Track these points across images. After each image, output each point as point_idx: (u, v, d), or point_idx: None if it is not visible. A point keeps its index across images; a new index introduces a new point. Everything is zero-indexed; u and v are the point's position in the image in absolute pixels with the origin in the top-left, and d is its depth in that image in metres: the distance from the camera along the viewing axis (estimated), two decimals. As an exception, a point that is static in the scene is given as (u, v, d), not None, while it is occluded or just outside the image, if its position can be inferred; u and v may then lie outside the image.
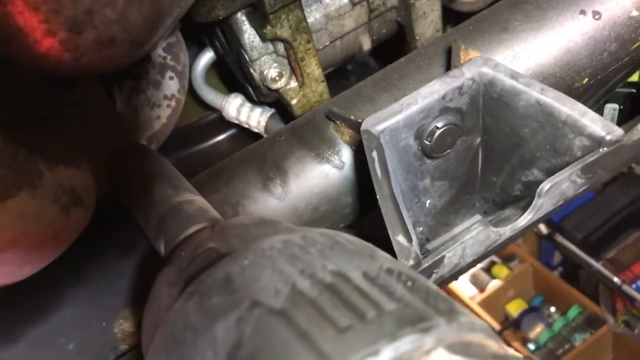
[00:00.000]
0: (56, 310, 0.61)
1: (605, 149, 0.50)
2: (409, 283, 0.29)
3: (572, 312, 3.14)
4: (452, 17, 0.99)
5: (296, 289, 0.28)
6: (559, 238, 3.02)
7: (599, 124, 0.50)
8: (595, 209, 3.01)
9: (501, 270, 3.37)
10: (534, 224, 0.57)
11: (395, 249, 0.49)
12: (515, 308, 3.30)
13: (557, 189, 0.51)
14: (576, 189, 0.52)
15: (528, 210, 0.51)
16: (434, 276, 0.50)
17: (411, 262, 0.48)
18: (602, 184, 3.14)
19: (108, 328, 0.63)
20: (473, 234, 0.50)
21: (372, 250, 0.33)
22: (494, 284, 3.32)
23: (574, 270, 3.18)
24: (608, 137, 0.50)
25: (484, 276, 3.39)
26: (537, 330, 3.17)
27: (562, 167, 0.53)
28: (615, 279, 2.77)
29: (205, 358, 0.28)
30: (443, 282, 1.23)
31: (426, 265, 0.49)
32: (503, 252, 3.40)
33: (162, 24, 0.36)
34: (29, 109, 0.46)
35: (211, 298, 0.31)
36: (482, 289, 3.34)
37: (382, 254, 0.33)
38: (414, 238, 0.51)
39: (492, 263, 3.42)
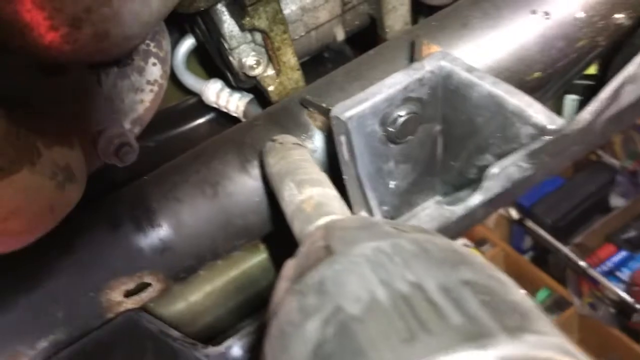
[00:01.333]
0: (46, 280, 0.65)
1: (548, 137, 0.56)
2: (483, 296, 0.30)
3: (541, 294, 3.23)
4: (424, 9, 1.04)
5: (375, 298, 0.31)
6: (529, 223, 3.12)
7: (543, 115, 0.56)
8: (564, 195, 3.11)
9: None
10: (487, 205, 0.62)
11: (359, 223, 0.55)
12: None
13: (504, 172, 0.56)
14: (522, 173, 0.58)
15: (478, 191, 0.57)
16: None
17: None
18: (571, 172, 3.25)
19: (95, 297, 0.67)
20: (427, 211, 0.55)
21: (459, 258, 0.35)
22: (466, 268, 3.41)
23: (543, 254, 3.28)
24: (550, 127, 0.56)
25: (456, 260, 3.47)
26: (507, 312, 3.27)
27: (511, 153, 0.58)
28: (582, 263, 2.87)
29: (297, 351, 0.32)
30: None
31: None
32: (475, 236, 3.49)
33: (152, 21, 0.40)
34: (26, 92, 0.50)
35: (307, 298, 0.34)
36: (454, 272, 3.42)
37: (471, 260, 0.35)
38: (376, 213, 0.57)
39: (465, 247, 3.50)
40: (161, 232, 0.67)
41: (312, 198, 0.52)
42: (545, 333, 0.28)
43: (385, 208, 0.71)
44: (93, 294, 0.67)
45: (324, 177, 0.57)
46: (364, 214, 0.54)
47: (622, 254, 2.93)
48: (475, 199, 0.58)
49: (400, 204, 0.72)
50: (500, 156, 0.62)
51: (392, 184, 0.69)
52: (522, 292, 0.33)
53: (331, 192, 0.54)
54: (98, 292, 0.67)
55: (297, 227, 0.51)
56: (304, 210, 0.51)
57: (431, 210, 0.56)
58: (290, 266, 0.42)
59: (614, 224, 3.06)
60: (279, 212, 0.72)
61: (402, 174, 0.69)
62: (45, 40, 0.37)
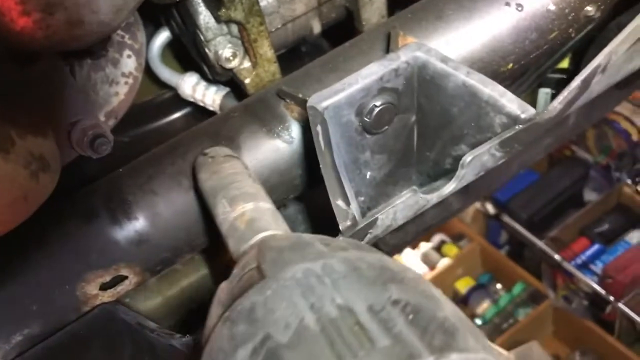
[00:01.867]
0: (20, 273, 0.64)
1: (520, 126, 0.57)
2: (411, 316, 0.31)
3: (517, 288, 3.29)
4: (400, 2, 1.05)
5: (303, 324, 0.31)
6: (506, 218, 3.16)
7: (515, 104, 0.57)
8: (539, 190, 3.16)
9: (451, 249, 3.50)
10: (463, 195, 0.63)
11: (335, 211, 0.55)
12: (463, 285, 3.43)
13: (478, 160, 0.57)
14: (495, 161, 0.59)
15: (452, 179, 0.58)
16: (368, 236, 0.57)
17: (348, 223, 0.54)
18: (546, 167, 3.30)
19: (70, 290, 0.66)
20: (403, 199, 0.56)
21: (389, 275, 0.35)
22: (443, 262, 3.45)
23: (519, 248, 3.33)
24: (523, 116, 0.57)
25: (434, 255, 3.51)
26: (484, 306, 3.32)
27: (485, 142, 0.59)
28: (556, 257, 2.93)
29: None
30: (392, 251, 1.30)
31: (362, 225, 0.55)
32: (453, 231, 3.53)
33: (127, 8, 0.40)
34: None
35: (238, 326, 0.35)
36: (432, 267, 3.46)
37: (401, 277, 0.35)
38: (352, 202, 0.57)
39: (442, 242, 3.54)
40: (137, 224, 0.67)
41: (244, 214, 0.52)
42: (472, 349, 0.29)
43: (361, 199, 0.72)
44: (68, 287, 0.66)
45: (257, 190, 0.57)
46: (340, 202, 0.54)
47: (596, 247, 2.99)
48: (449, 186, 0.59)
49: (377, 194, 0.73)
50: (474, 146, 0.63)
51: (368, 175, 0.70)
52: (452, 306, 0.34)
53: (265, 205, 0.54)
54: (73, 284, 0.66)
55: (231, 245, 0.50)
56: (237, 228, 0.51)
57: (406, 199, 0.56)
58: (223, 289, 0.43)
59: (587, 217, 3.12)
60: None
61: (378, 165, 0.69)
62: (16, 26, 0.37)
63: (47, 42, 0.39)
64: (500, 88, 0.58)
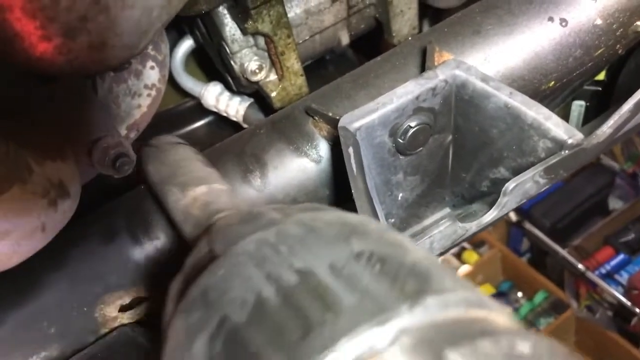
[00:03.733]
0: (38, 295, 0.62)
1: (567, 151, 0.54)
2: (378, 266, 0.28)
3: (538, 297, 3.23)
4: (428, 12, 1.01)
5: (261, 298, 0.28)
6: (528, 225, 3.10)
7: (562, 128, 0.53)
8: (563, 197, 3.09)
9: (471, 256, 3.44)
10: (499, 219, 0.60)
11: (368, 241, 0.52)
12: (483, 293, 3.38)
13: (521, 188, 0.54)
14: (538, 189, 0.55)
15: (494, 207, 0.54)
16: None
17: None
18: (571, 174, 3.23)
19: (89, 312, 0.64)
20: (441, 228, 0.53)
21: (349, 229, 0.32)
22: (463, 269, 3.40)
23: (541, 256, 3.26)
24: (570, 141, 0.53)
25: (454, 261, 3.46)
26: (504, 315, 3.26)
27: (526, 167, 0.56)
28: (580, 266, 2.86)
29: None
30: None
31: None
32: (473, 238, 3.47)
33: (152, 29, 0.37)
34: (15, 102, 0.47)
35: (192, 314, 0.31)
36: (452, 274, 3.41)
37: (362, 229, 0.32)
38: (385, 230, 0.54)
39: (463, 249, 3.49)
40: (158, 244, 0.65)
41: (197, 199, 0.48)
42: (448, 290, 0.26)
43: (391, 220, 0.69)
44: (87, 309, 0.64)
45: (209, 172, 0.53)
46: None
47: (621, 257, 2.92)
48: (490, 214, 0.55)
49: (408, 216, 0.69)
50: (514, 169, 0.60)
51: (400, 196, 0.66)
52: (422, 251, 0.31)
53: (218, 187, 0.50)
54: (92, 306, 0.64)
55: (187, 234, 0.46)
56: (191, 215, 0.47)
57: (444, 228, 0.53)
58: (175, 284, 0.39)
59: (612, 226, 3.05)
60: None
61: (410, 186, 0.66)
62: (36, 51, 0.34)
63: (68, 67, 0.36)
64: (546, 110, 0.54)
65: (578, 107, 1.12)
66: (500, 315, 0.27)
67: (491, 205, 0.57)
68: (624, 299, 2.72)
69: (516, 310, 3.26)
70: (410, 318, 0.24)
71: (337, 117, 0.57)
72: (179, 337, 0.31)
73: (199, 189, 0.49)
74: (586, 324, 2.98)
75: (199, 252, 0.39)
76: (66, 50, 0.35)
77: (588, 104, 1.11)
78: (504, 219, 3.33)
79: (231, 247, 0.34)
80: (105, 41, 0.35)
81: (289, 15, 0.73)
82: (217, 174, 0.53)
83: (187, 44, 0.92)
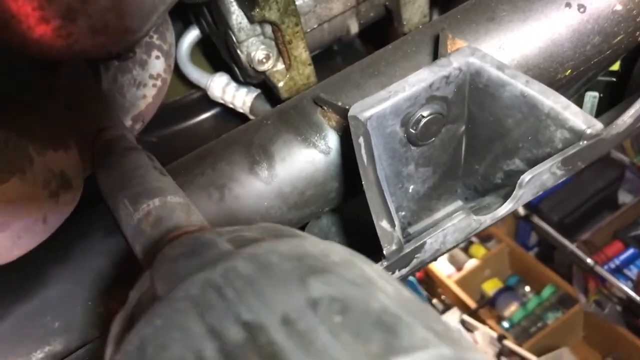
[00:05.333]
0: (42, 289, 0.61)
1: (585, 142, 0.52)
2: (338, 318, 0.24)
3: (546, 291, 3.21)
4: (439, 1, 0.99)
5: (201, 358, 0.25)
6: (536, 219, 3.08)
7: (580, 118, 0.51)
8: (571, 191, 3.06)
9: (478, 250, 3.43)
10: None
11: (379, 233, 0.50)
12: (491, 287, 3.36)
13: (537, 179, 0.52)
14: (555, 180, 0.54)
15: (509, 200, 0.53)
16: (415, 261, 0.52)
17: (394, 247, 0.49)
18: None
19: (93, 307, 0.63)
20: (455, 221, 0.51)
21: (309, 265, 0.28)
22: (471, 263, 3.38)
23: (549, 251, 3.24)
24: (589, 131, 0.51)
25: (461, 255, 3.44)
26: (512, 309, 3.24)
27: (543, 158, 0.54)
28: (589, 260, 2.84)
29: None
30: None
31: (408, 250, 0.50)
32: (481, 232, 3.45)
33: (156, 11, 0.36)
34: (16, 91, 0.46)
35: None
36: (459, 268, 3.40)
37: (323, 263, 0.29)
38: (396, 223, 0.52)
39: (470, 243, 3.47)
40: (164, 238, 0.63)
41: (149, 214, 0.43)
42: (418, 346, 0.23)
43: (402, 213, 0.67)
44: (91, 303, 0.63)
45: (165, 183, 0.48)
46: (385, 223, 0.49)
47: (630, 251, 2.89)
48: (505, 207, 0.54)
49: (419, 209, 0.68)
50: (530, 160, 0.58)
51: (411, 188, 0.65)
52: (394, 287, 0.27)
53: (174, 199, 0.45)
54: (96, 301, 0.63)
55: (138, 254, 0.42)
56: (143, 232, 0.42)
57: (458, 221, 0.51)
58: (117, 322, 0.34)
59: (622, 221, 3.02)
60: (289, 219, 0.68)
61: (422, 178, 0.64)
62: (35, 34, 0.32)
63: (67, 51, 0.34)
64: (563, 99, 0.52)
65: (591, 98, 1.09)
66: None
67: (505, 197, 0.55)
68: (633, 294, 2.69)
69: (524, 304, 3.24)
70: None
71: (347, 107, 0.55)
72: None
73: (153, 201, 0.45)
74: (595, 318, 2.96)
75: (141, 285, 0.35)
76: (65, 33, 0.33)
77: (601, 95, 1.09)
78: (512, 213, 3.30)
79: (174, 288, 0.29)
80: (107, 24, 0.34)
81: (297, 3, 0.71)
82: (174, 185, 0.49)
83: (193, 34, 0.90)
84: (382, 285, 0.27)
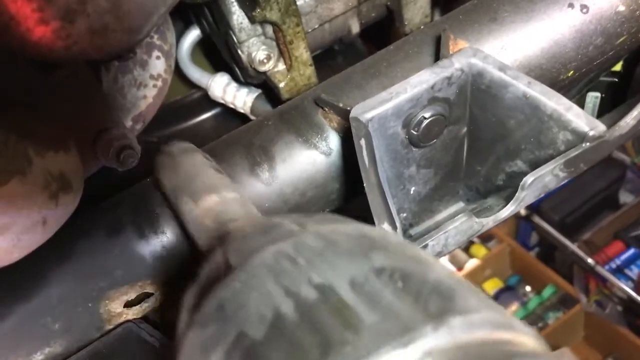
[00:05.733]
0: (42, 290, 0.61)
1: (588, 144, 0.51)
2: (400, 283, 0.27)
3: (547, 291, 3.20)
4: (440, 0, 0.99)
5: (279, 314, 0.27)
6: (537, 219, 3.07)
7: (583, 120, 0.51)
8: (572, 191, 3.05)
9: (479, 250, 3.42)
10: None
11: (381, 236, 0.50)
12: (491, 287, 3.36)
13: (540, 182, 0.52)
14: (558, 182, 0.53)
15: (511, 202, 0.52)
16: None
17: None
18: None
19: (93, 308, 0.63)
20: (457, 224, 0.51)
21: (370, 243, 0.31)
22: (471, 263, 3.37)
23: (550, 251, 3.23)
24: (591, 133, 0.51)
25: (462, 255, 3.43)
26: (512, 309, 3.24)
27: (545, 160, 0.54)
28: (589, 260, 2.83)
29: None
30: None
31: (410, 254, 0.50)
32: (481, 231, 3.44)
33: (156, 12, 0.36)
34: (16, 92, 0.45)
35: (207, 329, 0.30)
36: (460, 268, 3.39)
37: (383, 243, 0.32)
38: (398, 225, 0.52)
39: (471, 242, 3.46)
40: (164, 239, 0.63)
41: (210, 209, 0.47)
42: (473, 310, 0.25)
43: (403, 215, 0.67)
44: (92, 305, 0.63)
45: (220, 180, 0.52)
46: (386, 226, 0.49)
47: (631, 251, 2.88)
48: (507, 209, 0.53)
49: (420, 210, 0.67)
50: (532, 162, 0.58)
51: (412, 190, 0.64)
52: (445, 268, 0.30)
53: (229, 195, 0.50)
54: (96, 302, 0.63)
55: (201, 245, 0.46)
56: (203, 225, 0.46)
57: (460, 223, 0.51)
58: (190, 294, 0.38)
59: (623, 221, 3.02)
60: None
61: (423, 179, 0.64)
62: (34, 36, 0.32)
63: (67, 52, 0.34)
64: (566, 101, 0.52)
65: (593, 98, 1.09)
66: (527, 338, 0.25)
67: (507, 199, 0.55)
68: (634, 294, 2.69)
69: (524, 304, 3.24)
70: (434, 339, 0.23)
71: (348, 108, 0.55)
72: (194, 350, 0.30)
73: (210, 198, 0.49)
74: (595, 319, 2.96)
75: (213, 262, 0.38)
76: (65, 35, 0.33)
77: (603, 95, 1.08)
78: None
79: (248, 259, 0.32)
80: (106, 25, 0.34)
81: (297, 3, 0.71)
82: (229, 181, 0.53)
83: (193, 34, 0.90)
84: (435, 264, 0.30)
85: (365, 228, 0.34)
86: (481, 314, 0.25)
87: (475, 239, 3.43)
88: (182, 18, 0.91)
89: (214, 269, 0.36)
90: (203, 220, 0.46)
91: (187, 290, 0.37)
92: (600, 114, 1.07)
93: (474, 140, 0.61)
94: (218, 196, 0.49)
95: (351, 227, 0.34)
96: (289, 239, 0.33)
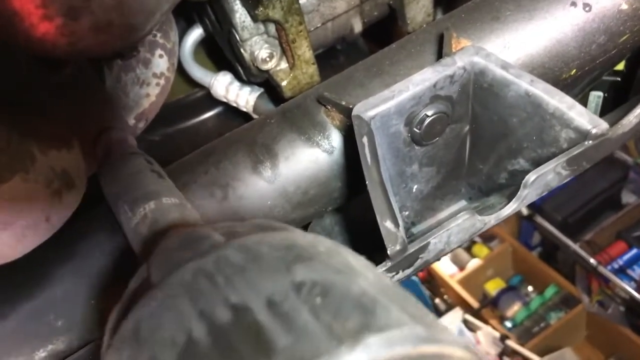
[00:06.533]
0: (45, 287, 0.61)
1: (590, 142, 0.51)
2: (319, 299, 0.26)
3: (549, 291, 3.20)
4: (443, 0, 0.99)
5: (192, 338, 0.26)
6: (539, 219, 3.07)
7: (586, 118, 0.51)
8: (575, 191, 3.05)
9: (481, 250, 3.42)
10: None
11: (383, 233, 0.50)
12: (493, 287, 3.36)
13: (542, 180, 0.52)
14: (560, 180, 0.53)
15: (513, 200, 0.52)
16: (419, 261, 0.51)
17: (398, 247, 0.49)
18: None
19: (96, 306, 0.63)
20: (459, 221, 0.51)
21: (295, 254, 0.30)
22: (473, 263, 3.38)
23: (552, 251, 3.24)
24: (594, 131, 0.51)
25: (464, 255, 3.44)
26: (515, 309, 3.24)
27: (547, 158, 0.54)
28: (592, 260, 2.83)
29: None
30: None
31: (412, 250, 0.50)
32: (484, 232, 3.44)
33: (160, 9, 0.36)
34: (20, 89, 0.46)
35: (122, 353, 0.29)
36: (462, 268, 3.39)
37: (309, 252, 0.30)
38: (400, 223, 0.52)
39: (473, 242, 3.46)
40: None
41: (146, 217, 0.45)
42: (394, 325, 0.24)
43: (405, 213, 0.67)
44: (94, 302, 0.63)
45: (161, 185, 0.50)
46: (389, 224, 0.49)
47: (634, 251, 2.88)
48: (509, 207, 0.53)
49: (422, 208, 0.67)
50: (534, 160, 0.58)
51: (414, 188, 0.65)
52: (374, 275, 0.29)
53: (168, 200, 0.47)
54: (100, 300, 0.63)
55: (138, 254, 0.44)
56: (140, 234, 0.44)
57: (462, 221, 0.51)
58: (114, 312, 0.36)
59: (625, 221, 3.02)
60: (292, 218, 0.67)
61: (425, 177, 0.64)
62: (37, 32, 0.32)
63: (70, 49, 0.34)
64: (569, 99, 0.52)
65: (596, 98, 1.09)
66: (455, 349, 0.24)
67: (509, 197, 0.55)
68: (636, 294, 2.69)
69: (526, 304, 3.24)
70: None
71: (351, 106, 0.55)
72: None
73: (148, 204, 0.47)
74: (597, 318, 2.96)
75: (138, 277, 0.36)
76: (68, 32, 0.33)
77: (606, 94, 1.08)
78: (515, 213, 3.29)
79: (166, 276, 0.31)
80: (110, 22, 0.34)
81: (300, 1, 0.71)
82: (170, 185, 0.51)
83: (196, 33, 0.90)
84: (364, 272, 0.29)
85: (295, 236, 0.32)
86: (401, 330, 0.24)
87: (478, 239, 3.43)
88: (185, 17, 0.91)
89: (138, 285, 0.35)
90: (139, 229, 0.44)
91: (113, 308, 0.36)
92: (603, 113, 1.06)
93: (476, 139, 0.61)
94: (155, 203, 0.47)
95: (280, 237, 0.32)
96: (211, 254, 0.31)
